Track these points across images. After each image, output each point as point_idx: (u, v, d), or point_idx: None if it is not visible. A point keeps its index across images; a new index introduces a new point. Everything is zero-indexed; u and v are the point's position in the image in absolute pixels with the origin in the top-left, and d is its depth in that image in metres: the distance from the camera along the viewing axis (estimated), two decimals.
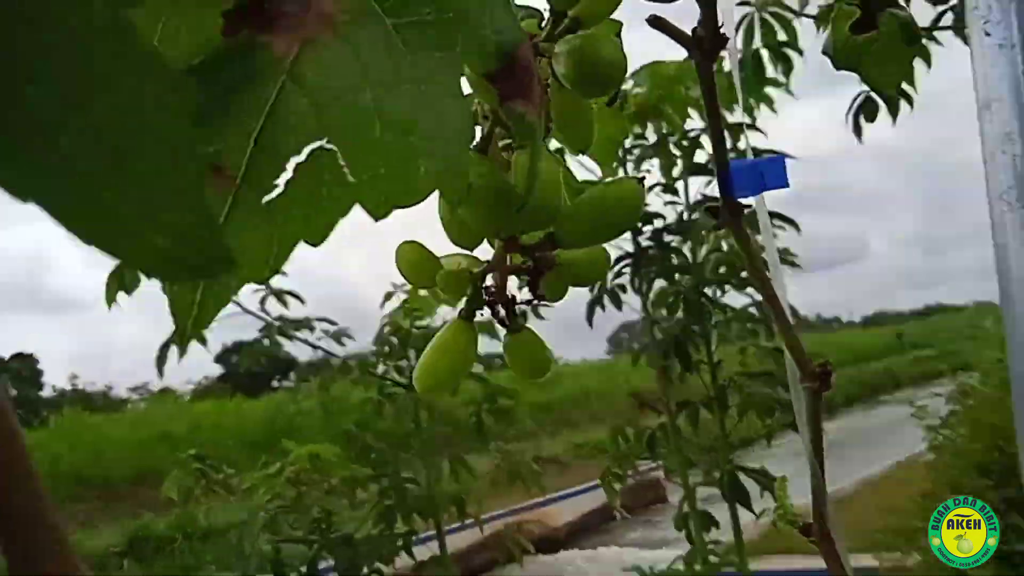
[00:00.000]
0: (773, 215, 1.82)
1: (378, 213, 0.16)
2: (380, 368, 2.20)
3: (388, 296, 2.24)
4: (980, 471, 3.08)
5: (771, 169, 0.39)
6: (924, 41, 1.58)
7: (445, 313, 2.25)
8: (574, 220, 0.23)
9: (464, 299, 0.24)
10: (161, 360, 1.95)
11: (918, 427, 4.03)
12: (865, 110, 1.66)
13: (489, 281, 0.23)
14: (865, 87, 1.64)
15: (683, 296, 1.87)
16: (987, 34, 0.64)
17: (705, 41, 0.36)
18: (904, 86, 1.63)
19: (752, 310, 1.94)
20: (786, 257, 1.90)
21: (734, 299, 2.03)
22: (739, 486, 1.80)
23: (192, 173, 0.11)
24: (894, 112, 1.65)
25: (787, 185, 0.40)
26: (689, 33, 0.37)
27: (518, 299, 0.24)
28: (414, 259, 0.23)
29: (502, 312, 0.24)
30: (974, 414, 3.41)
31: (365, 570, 1.94)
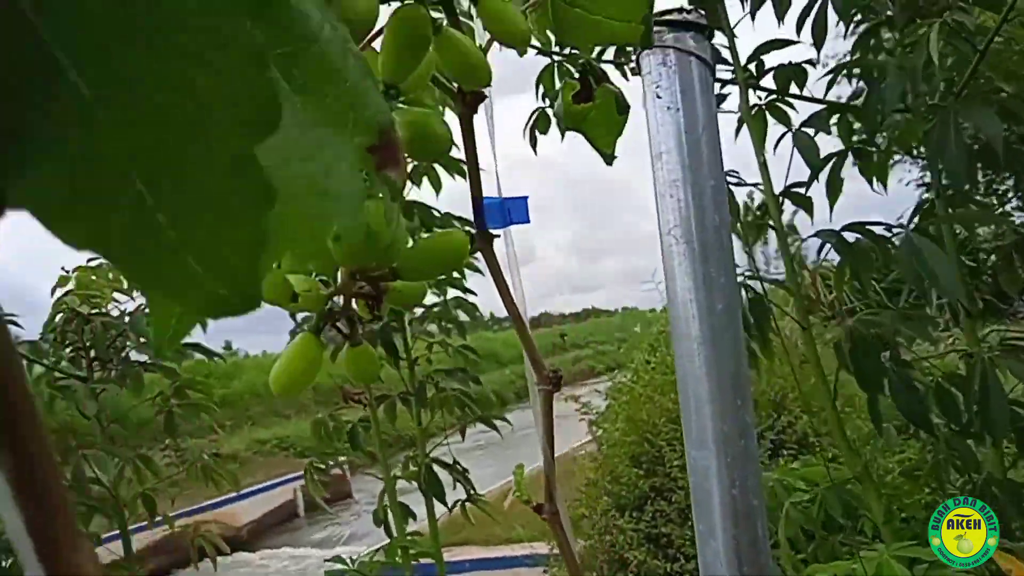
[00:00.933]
0: (462, 220, 1.96)
1: (306, 258, 0.20)
2: (51, 359, 1.99)
3: (62, 281, 2.06)
4: (633, 462, 3.50)
5: (515, 207, 0.48)
6: None
7: (125, 302, 2.11)
8: (414, 259, 0.29)
9: (316, 315, 0.28)
10: None
11: (582, 421, 4.43)
12: (539, 124, 1.85)
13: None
14: (540, 103, 1.83)
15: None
16: (658, 96, 0.79)
17: (468, 96, 0.43)
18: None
19: (436, 310, 2.07)
20: (470, 261, 2.05)
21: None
22: (436, 479, 1.90)
23: (255, 228, 0.16)
24: (563, 130, 1.85)
25: (528, 221, 0.48)
26: (455, 88, 0.44)
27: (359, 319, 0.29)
28: (271, 280, 0.28)
29: (345, 328, 0.29)
30: (628, 410, 3.80)
31: None
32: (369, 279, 0.28)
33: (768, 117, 1.66)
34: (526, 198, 0.48)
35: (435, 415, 2.04)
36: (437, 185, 2.04)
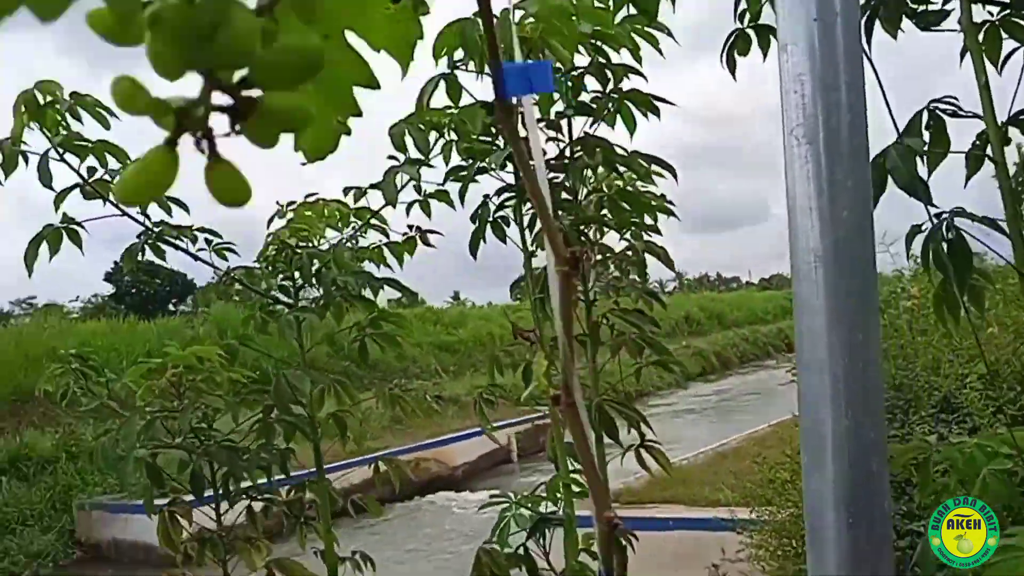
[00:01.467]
0: (650, 159, 1.87)
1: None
2: (262, 286, 2.19)
3: (278, 214, 2.24)
4: None
5: (538, 72, 0.43)
6: None
7: (332, 237, 2.26)
8: (265, 63, 0.26)
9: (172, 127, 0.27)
10: (30, 257, 1.88)
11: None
12: (738, 45, 1.73)
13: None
14: (738, 24, 1.70)
15: (563, 233, 1.91)
16: None
17: None
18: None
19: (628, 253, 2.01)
20: (664, 205, 1.96)
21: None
22: (608, 419, 1.87)
23: None
24: (764, 47, 1.73)
25: (552, 89, 0.44)
26: None
27: (217, 133, 0.27)
28: (126, 89, 0.26)
29: (204, 143, 0.27)
30: None
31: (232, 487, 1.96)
32: (228, 89, 0.26)
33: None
34: (549, 64, 0.43)
35: (614, 358, 2.01)
36: (631, 124, 1.93)
